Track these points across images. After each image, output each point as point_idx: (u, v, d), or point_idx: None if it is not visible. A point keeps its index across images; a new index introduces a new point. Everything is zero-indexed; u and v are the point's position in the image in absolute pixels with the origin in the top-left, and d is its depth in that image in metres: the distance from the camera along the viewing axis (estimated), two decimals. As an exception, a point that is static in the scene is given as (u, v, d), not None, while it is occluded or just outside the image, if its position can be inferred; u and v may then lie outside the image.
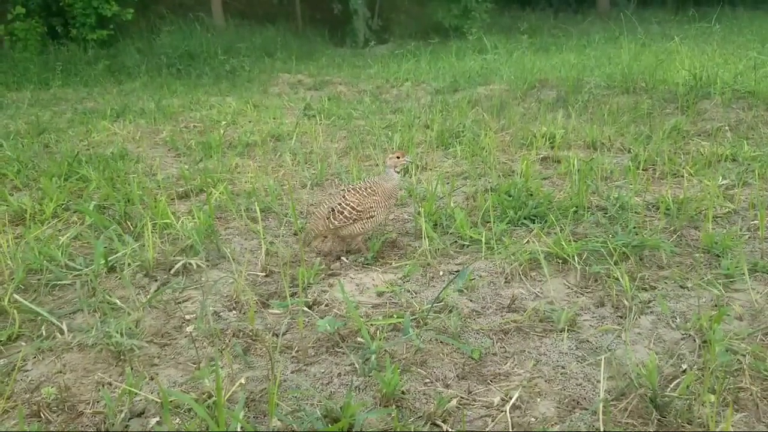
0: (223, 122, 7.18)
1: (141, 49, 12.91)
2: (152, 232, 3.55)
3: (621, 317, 2.71)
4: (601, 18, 19.65)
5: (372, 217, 3.38)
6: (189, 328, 2.58)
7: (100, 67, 11.61)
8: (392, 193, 3.46)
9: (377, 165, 5.26)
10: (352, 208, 3.33)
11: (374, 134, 6.38)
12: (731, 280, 3.00)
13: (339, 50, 15.71)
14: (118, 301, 2.82)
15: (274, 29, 15.53)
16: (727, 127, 5.88)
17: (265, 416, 2.10)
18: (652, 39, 13.42)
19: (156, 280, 3.14)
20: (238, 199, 4.37)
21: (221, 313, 2.78)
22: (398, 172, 3.48)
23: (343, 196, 3.38)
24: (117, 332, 2.46)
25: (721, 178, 4.47)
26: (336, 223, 3.34)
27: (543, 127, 6.02)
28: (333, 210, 3.35)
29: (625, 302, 2.79)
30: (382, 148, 5.83)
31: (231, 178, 4.97)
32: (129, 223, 3.85)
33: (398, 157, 3.47)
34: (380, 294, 2.99)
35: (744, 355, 2.36)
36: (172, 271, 3.21)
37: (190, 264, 3.26)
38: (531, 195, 4.19)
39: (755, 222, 3.59)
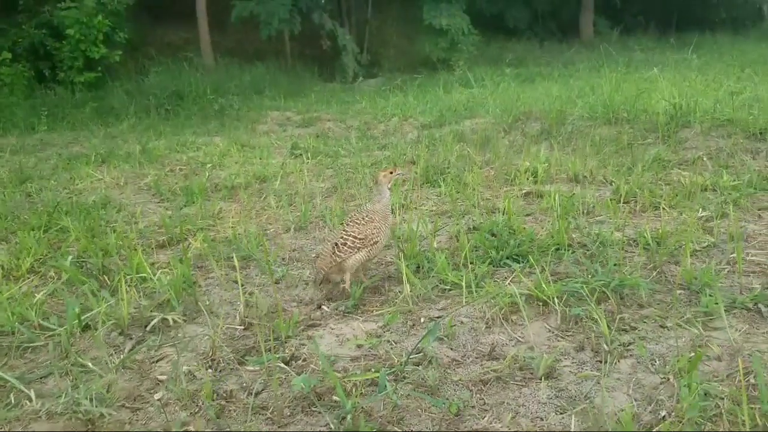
0: (209, 164, 7.19)
1: (129, 91, 12.97)
2: (129, 286, 3.52)
3: (600, 362, 2.68)
4: (586, 47, 19.91)
5: (376, 242, 3.48)
6: (157, 396, 2.53)
7: (87, 110, 11.65)
8: (386, 213, 3.56)
9: (362, 206, 5.25)
10: (355, 237, 3.43)
11: (360, 173, 6.40)
12: (710, 318, 2.98)
13: (328, 85, 15.84)
14: (90, 364, 2.77)
15: (264, 67, 15.66)
16: (705, 157, 5.91)
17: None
18: (635, 67, 13.60)
19: (131, 338, 3.10)
20: (220, 246, 4.35)
21: (196, 373, 2.74)
22: (390, 189, 3.62)
23: (344, 230, 3.48)
24: (87, 398, 2.42)
25: (700, 209, 4.47)
26: (343, 255, 3.42)
27: (526, 161, 6.04)
28: (336, 245, 3.44)
29: (605, 346, 2.77)
30: (367, 187, 5.83)
31: (213, 224, 4.96)
32: (106, 277, 3.81)
33: (390, 173, 3.63)
34: (359, 346, 2.95)
35: (722, 398, 2.33)
36: (148, 328, 3.17)
37: (167, 319, 3.22)
38: (513, 233, 4.18)
39: (734, 255, 3.59)
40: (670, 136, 6.79)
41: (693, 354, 2.58)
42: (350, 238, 3.43)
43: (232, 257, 3.81)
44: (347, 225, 3.52)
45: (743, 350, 2.68)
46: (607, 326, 2.87)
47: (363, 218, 3.50)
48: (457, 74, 15.34)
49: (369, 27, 18.33)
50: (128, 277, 3.67)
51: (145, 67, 14.49)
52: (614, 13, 23.99)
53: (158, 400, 2.52)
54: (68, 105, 12.10)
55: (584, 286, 3.23)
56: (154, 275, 3.68)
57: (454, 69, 16.17)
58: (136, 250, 4.01)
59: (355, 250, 3.42)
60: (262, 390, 2.60)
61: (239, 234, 4.56)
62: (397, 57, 18.95)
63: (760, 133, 6.56)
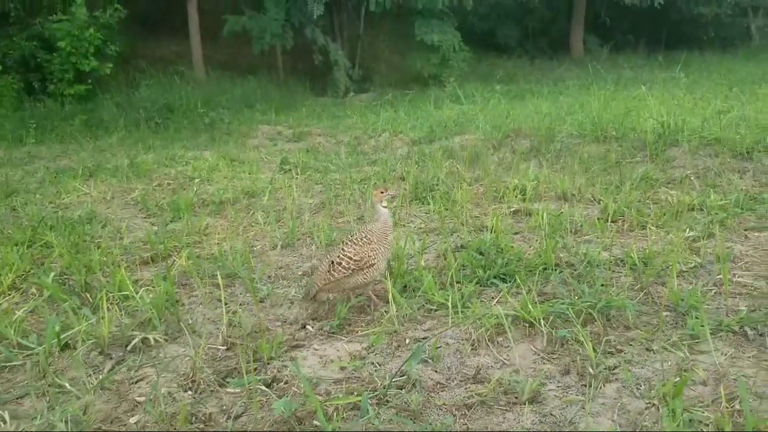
0: (197, 179, 7.15)
1: (119, 104, 12.91)
2: (111, 304, 3.48)
3: (585, 386, 2.65)
4: (576, 64, 20.05)
5: (372, 265, 3.41)
6: (134, 419, 2.49)
7: (76, 123, 11.57)
8: (385, 230, 3.49)
9: (350, 222, 5.23)
10: (350, 258, 3.37)
11: (349, 188, 6.38)
12: (696, 341, 2.96)
13: (320, 100, 15.84)
14: (67, 384, 2.72)
15: (255, 81, 15.65)
16: (692, 177, 5.93)
17: None
18: (624, 85, 13.69)
19: (111, 358, 3.05)
20: (205, 263, 4.31)
21: (176, 394, 2.70)
22: (386, 207, 3.55)
23: (342, 248, 3.44)
24: (62, 420, 2.37)
25: (687, 230, 4.47)
26: (336, 275, 3.37)
27: (515, 179, 6.04)
28: (332, 263, 3.40)
29: (590, 369, 2.75)
30: (356, 204, 5.81)
31: (199, 240, 4.91)
32: (89, 294, 3.76)
33: (382, 192, 3.56)
34: (343, 368, 2.92)
35: (707, 425, 2.31)
36: (128, 348, 3.12)
37: (148, 339, 3.17)
38: (501, 251, 4.16)
39: (720, 276, 3.58)
40: (658, 154, 6.81)
41: (678, 378, 2.56)
42: (345, 258, 3.38)
43: (217, 275, 3.77)
44: (345, 244, 3.47)
45: (729, 375, 2.66)
46: (593, 349, 2.85)
47: (361, 239, 3.45)
48: (447, 90, 15.38)
49: (361, 42, 18.37)
50: (110, 294, 3.62)
51: (136, 80, 14.44)
52: (604, 31, 24.19)
53: (135, 423, 2.47)
54: (57, 117, 12.03)
55: (570, 307, 3.22)
56: (137, 293, 3.64)
57: (445, 85, 16.22)
58: (119, 267, 3.96)
59: (350, 271, 3.38)
60: (242, 413, 2.56)
61: (225, 251, 4.52)
62: (389, 72, 18.99)
63: (747, 153, 6.59)
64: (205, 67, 16.06)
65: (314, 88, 16.98)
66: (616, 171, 6.33)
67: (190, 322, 3.42)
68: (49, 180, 7.33)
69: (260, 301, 3.72)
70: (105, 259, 4.29)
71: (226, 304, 3.52)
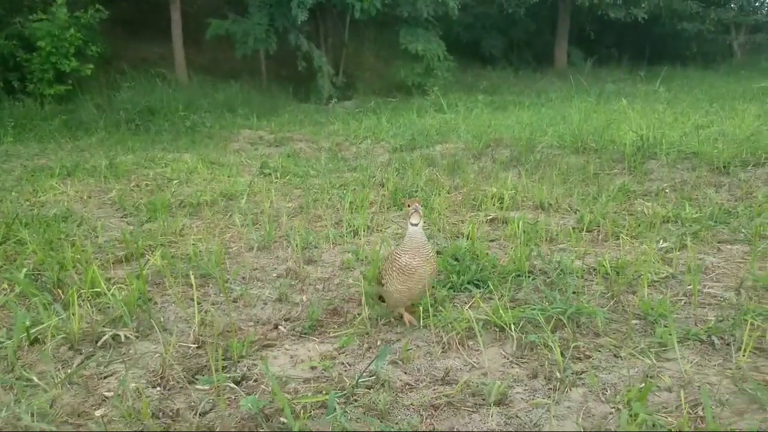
0: (176, 181, 7.12)
1: (100, 105, 12.82)
2: (83, 300, 3.45)
3: (552, 390, 2.68)
4: (559, 76, 20.26)
5: (385, 284, 3.24)
6: (99, 412, 2.47)
7: (56, 123, 11.47)
8: (415, 250, 3.16)
9: (326, 227, 5.23)
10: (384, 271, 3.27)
11: (328, 194, 6.38)
12: (664, 348, 3.00)
13: (303, 106, 15.83)
14: (35, 378, 2.70)
15: (238, 85, 15.62)
16: (669, 189, 6.01)
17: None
18: (605, 98, 13.85)
19: (80, 353, 3.03)
20: (179, 263, 4.29)
21: (144, 390, 2.68)
22: (415, 224, 3.19)
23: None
24: (28, 413, 2.35)
25: (660, 240, 4.53)
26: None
27: (493, 187, 6.08)
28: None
29: (557, 374, 2.77)
30: (334, 209, 5.82)
31: (175, 240, 4.89)
32: (60, 291, 3.73)
33: (408, 206, 3.26)
34: (313, 368, 2.92)
35: (669, 429, 2.35)
36: (98, 344, 3.10)
37: (119, 335, 3.16)
38: (476, 258, 4.19)
39: (690, 287, 3.63)
40: (636, 167, 6.90)
41: (644, 384, 2.59)
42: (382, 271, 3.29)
43: (190, 275, 3.76)
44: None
45: (694, 382, 2.70)
46: (561, 354, 2.88)
47: (388, 256, 3.33)
48: (431, 99, 15.46)
49: (345, 50, 18.39)
50: (82, 291, 3.59)
51: (117, 82, 14.32)
52: (588, 44, 24.47)
53: (101, 416, 2.45)
54: (37, 117, 11.92)
55: (541, 313, 3.25)
56: (109, 290, 3.61)
57: (428, 94, 16.30)
58: (92, 264, 3.93)
59: (379, 284, 3.30)
60: (210, 410, 2.55)
61: (200, 251, 4.51)
62: (373, 80, 19.04)
63: (724, 167, 6.70)
64: (187, 71, 16.00)
65: (297, 94, 16.98)
66: (594, 182, 6.40)
67: (162, 320, 3.40)
68: (26, 178, 7.26)
69: (233, 301, 3.71)
70: (78, 256, 4.25)
71: (198, 303, 3.51)
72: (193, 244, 4.66)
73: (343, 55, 18.38)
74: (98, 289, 3.63)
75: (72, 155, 8.93)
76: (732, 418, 2.43)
